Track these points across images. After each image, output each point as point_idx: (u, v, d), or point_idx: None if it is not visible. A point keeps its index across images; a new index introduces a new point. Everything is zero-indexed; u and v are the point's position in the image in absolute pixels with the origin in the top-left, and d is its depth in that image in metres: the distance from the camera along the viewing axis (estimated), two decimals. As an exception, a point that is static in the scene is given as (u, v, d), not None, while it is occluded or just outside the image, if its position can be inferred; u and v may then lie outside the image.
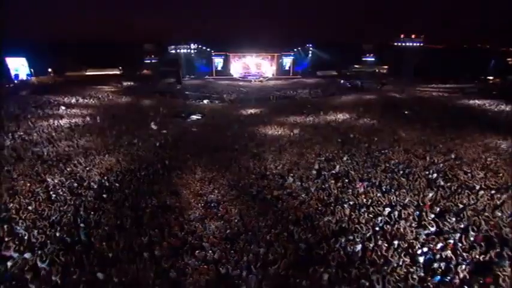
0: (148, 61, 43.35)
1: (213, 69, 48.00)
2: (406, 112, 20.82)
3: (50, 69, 40.42)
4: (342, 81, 39.93)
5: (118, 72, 45.05)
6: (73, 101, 23.92)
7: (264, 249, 6.70)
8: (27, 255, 6.38)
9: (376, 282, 5.61)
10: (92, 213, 8.20)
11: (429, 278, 5.66)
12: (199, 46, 45.28)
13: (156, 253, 6.71)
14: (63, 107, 21.05)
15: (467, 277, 5.59)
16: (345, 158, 12.03)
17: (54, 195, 9.11)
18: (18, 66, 34.59)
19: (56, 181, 9.98)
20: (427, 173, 10.43)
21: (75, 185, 9.97)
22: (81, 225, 7.69)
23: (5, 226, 7.23)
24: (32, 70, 36.11)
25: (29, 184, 9.57)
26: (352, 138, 15.04)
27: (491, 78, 40.37)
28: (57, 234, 7.18)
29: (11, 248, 6.55)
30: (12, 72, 33.59)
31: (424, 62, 37.31)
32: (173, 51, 39.53)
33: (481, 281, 5.43)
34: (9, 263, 6.12)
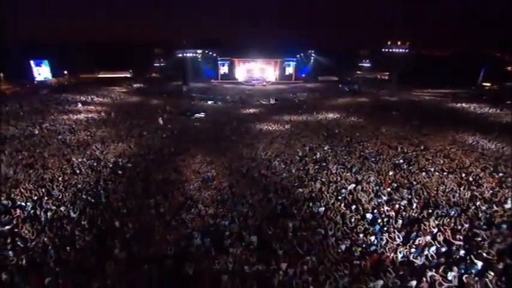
0: (157, 64, 45.77)
1: (219, 74, 50.13)
2: (394, 112, 22.36)
3: (65, 71, 43.28)
4: (340, 85, 41.58)
5: (128, 75, 47.71)
6: (88, 99, 26.23)
7: (246, 209, 8.47)
8: (62, 208, 8.32)
9: (329, 229, 7.31)
10: (110, 183, 10.12)
11: (371, 228, 7.32)
12: (206, 51, 47.45)
13: (161, 210, 8.56)
14: (80, 104, 23.32)
15: (399, 227, 7.23)
16: (326, 148, 13.71)
17: (78, 171, 11.07)
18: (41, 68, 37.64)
19: (79, 160, 11.95)
20: (394, 159, 12.05)
21: (95, 164, 11.91)
22: (101, 191, 9.60)
23: (43, 190, 9.20)
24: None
25: (58, 162, 11.55)
26: (337, 133, 16.68)
27: (488, 84, 41.42)
28: (83, 196, 9.10)
29: (49, 203, 8.50)
30: (35, 74, 36.43)
31: (419, 67, 38.78)
32: (180, 55, 41.73)
33: (408, 229, 7.06)
34: (49, 213, 8.04)
